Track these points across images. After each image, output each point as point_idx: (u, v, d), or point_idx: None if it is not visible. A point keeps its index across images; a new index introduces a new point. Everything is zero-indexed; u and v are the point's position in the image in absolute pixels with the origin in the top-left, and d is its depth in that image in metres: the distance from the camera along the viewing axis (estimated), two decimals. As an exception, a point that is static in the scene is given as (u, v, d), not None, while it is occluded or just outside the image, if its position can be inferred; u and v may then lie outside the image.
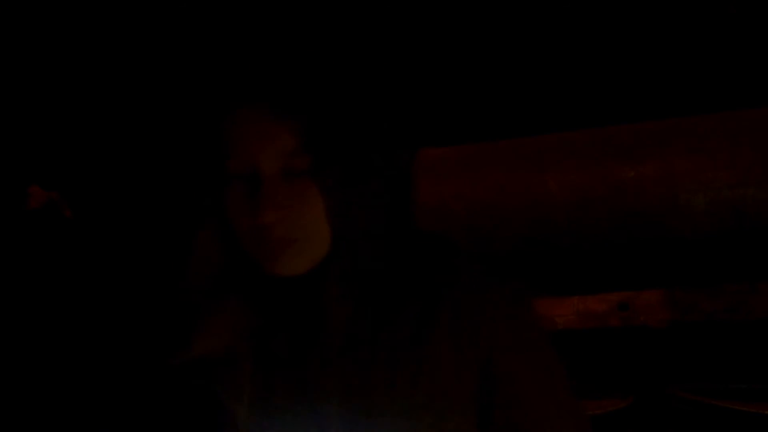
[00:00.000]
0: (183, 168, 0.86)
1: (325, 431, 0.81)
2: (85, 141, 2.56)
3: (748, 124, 1.90)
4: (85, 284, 1.98)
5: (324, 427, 0.81)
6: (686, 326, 3.24)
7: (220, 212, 0.82)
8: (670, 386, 2.89)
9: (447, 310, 0.81)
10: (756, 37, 2.54)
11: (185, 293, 0.84)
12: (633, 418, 2.79)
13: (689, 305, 3.27)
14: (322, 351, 0.82)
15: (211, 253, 0.84)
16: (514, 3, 2.70)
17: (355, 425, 0.80)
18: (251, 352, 0.85)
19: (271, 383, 0.84)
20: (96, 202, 2.30)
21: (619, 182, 1.90)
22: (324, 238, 0.80)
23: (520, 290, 0.87)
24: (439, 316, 0.81)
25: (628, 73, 2.71)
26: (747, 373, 2.86)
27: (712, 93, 2.46)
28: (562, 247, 1.99)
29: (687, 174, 1.85)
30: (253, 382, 0.85)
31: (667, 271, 2.08)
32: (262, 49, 0.78)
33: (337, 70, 0.78)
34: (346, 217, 0.78)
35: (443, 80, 2.84)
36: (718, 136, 1.88)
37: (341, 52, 0.79)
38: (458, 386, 0.81)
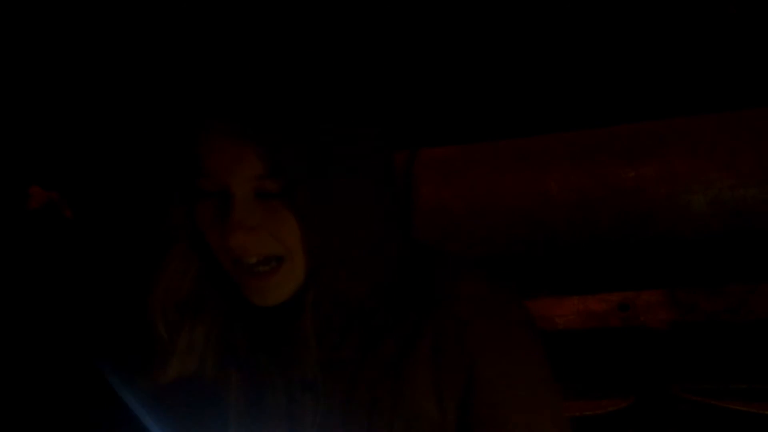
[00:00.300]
0: (159, 181, 0.83)
1: None
2: (86, 141, 2.56)
3: (748, 125, 1.90)
4: (85, 284, 1.98)
5: None
6: (687, 326, 3.24)
7: (195, 227, 0.80)
8: (670, 386, 2.88)
9: (430, 335, 0.79)
10: (756, 37, 2.53)
11: (158, 310, 0.81)
12: (634, 418, 2.78)
13: (690, 305, 3.26)
14: (305, 375, 0.80)
15: (187, 267, 0.82)
16: (514, 3, 2.69)
17: None
18: (235, 372, 0.84)
19: (256, 404, 0.83)
20: (96, 203, 2.30)
21: (620, 183, 1.90)
22: (302, 262, 0.77)
23: (511, 308, 0.83)
24: (421, 342, 0.79)
25: (628, 73, 2.71)
26: (748, 374, 2.86)
27: (712, 93, 2.46)
28: (562, 247, 1.99)
29: (687, 174, 1.85)
30: (237, 403, 0.83)
31: (668, 271, 2.09)
32: (232, 70, 0.74)
33: (311, 95, 0.74)
34: (325, 240, 0.75)
35: (444, 80, 2.84)
36: (718, 136, 1.88)
37: (319, 71, 0.75)
38: (438, 414, 0.78)
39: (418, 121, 2.41)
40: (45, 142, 2.52)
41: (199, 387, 0.84)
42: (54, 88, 2.60)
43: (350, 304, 0.78)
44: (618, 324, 3.34)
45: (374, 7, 2.51)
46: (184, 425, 0.84)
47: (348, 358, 0.79)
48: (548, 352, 0.84)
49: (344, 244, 0.76)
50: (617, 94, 2.67)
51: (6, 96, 2.49)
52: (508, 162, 2.05)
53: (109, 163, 2.46)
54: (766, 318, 3.09)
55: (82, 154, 2.53)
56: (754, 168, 1.82)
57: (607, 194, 1.91)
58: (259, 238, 0.75)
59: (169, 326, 0.81)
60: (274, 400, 0.82)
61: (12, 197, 2.16)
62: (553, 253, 2.00)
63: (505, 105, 2.78)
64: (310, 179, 0.73)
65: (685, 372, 3.02)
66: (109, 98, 2.55)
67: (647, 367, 3.16)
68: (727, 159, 1.84)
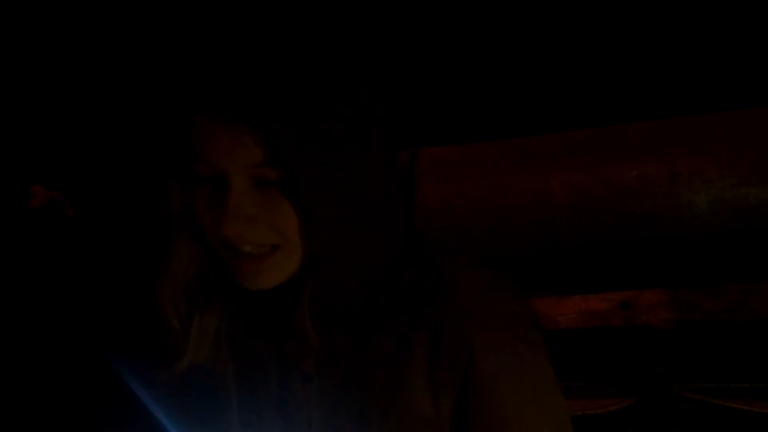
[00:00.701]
0: (158, 168, 0.81)
1: None
2: (85, 136, 2.57)
3: (750, 124, 1.90)
4: (88, 282, 1.99)
5: None
6: (688, 325, 3.24)
7: (193, 213, 0.78)
8: (672, 385, 2.88)
9: (428, 329, 0.77)
10: (758, 37, 2.53)
11: (168, 301, 0.80)
12: (635, 417, 2.79)
13: (691, 305, 3.26)
14: (302, 365, 0.79)
15: (192, 255, 0.81)
16: (515, 2, 2.69)
17: None
18: (234, 364, 0.83)
19: (250, 393, 0.82)
20: (97, 199, 2.31)
21: (621, 182, 1.90)
22: (299, 252, 0.75)
23: (512, 303, 0.81)
24: (419, 336, 0.77)
25: (630, 72, 2.71)
26: (749, 373, 2.86)
27: (714, 92, 2.45)
28: (564, 246, 1.99)
29: (689, 174, 1.85)
30: (236, 394, 0.83)
31: (670, 270, 2.09)
32: (229, 55, 0.72)
33: (310, 82, 0.71)
34: (324, 230, 0.73)
35: (445, 79, 2.84)
36: (720, 135, 1.88)
37: (319, 61, 0.72)
38: (432, 409, 0.77)
39: (419, 121, 2.41)
40: (46, 141, 2.52)
41: (196, 375, 0.83)
42: (52, 84, 2.60)
43: (348, 295, 0.77)
44: (620, 323, 3.34)
45: (376, 4, 2.51)
46: (184, 414, 0.84)
47: (344, 349, 0.78)
48: (550, 351, 0.84)
49: (343, 234, 0.74)
50: (619, 94, 2.67)
51: (6, 96, 2.49)
52: (509, 161, 2.05)
53: (108, 155, 2.46)
54: (767, 317, 3.09)
55: (82, 150, 2.53)
56: (755, 167, 1.82)
57: (609, 193, 1.91)
58: (255, 227, 0.73)
59: (180, 316, 0.80)
60: (267, 390, 0.81)
61: (13, 196, 2.16)
62: (555, 252, 2.01)
63: (506, 104, 2.78)
64: (310, 168, 0.71)
65: (686, 371, 3.02)
66: (107, 87, 2.55)
67: (649, 366, 3.17)
68: (729, 158, 1.84)
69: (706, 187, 1.83)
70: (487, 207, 2.00)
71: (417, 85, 2.70)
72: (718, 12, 2.57)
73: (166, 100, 0.76)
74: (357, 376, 0.78)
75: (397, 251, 0.80)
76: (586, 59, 2.74)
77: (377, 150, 0.77)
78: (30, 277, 2.03)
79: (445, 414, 0.77)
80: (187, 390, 0.84)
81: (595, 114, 2.40)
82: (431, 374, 0.77)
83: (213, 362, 0.82)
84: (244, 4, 0.75)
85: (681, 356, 3.16)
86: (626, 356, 3.25)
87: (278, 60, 0.71)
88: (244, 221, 0.72)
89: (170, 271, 0.80)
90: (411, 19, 2.70)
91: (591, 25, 2.70)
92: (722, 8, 2.55)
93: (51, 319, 1.97)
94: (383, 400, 0.77)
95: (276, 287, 0.78)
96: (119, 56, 2.50)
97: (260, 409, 0.82)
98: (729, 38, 2.59)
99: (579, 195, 1.93)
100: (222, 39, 0.74)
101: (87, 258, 2.09)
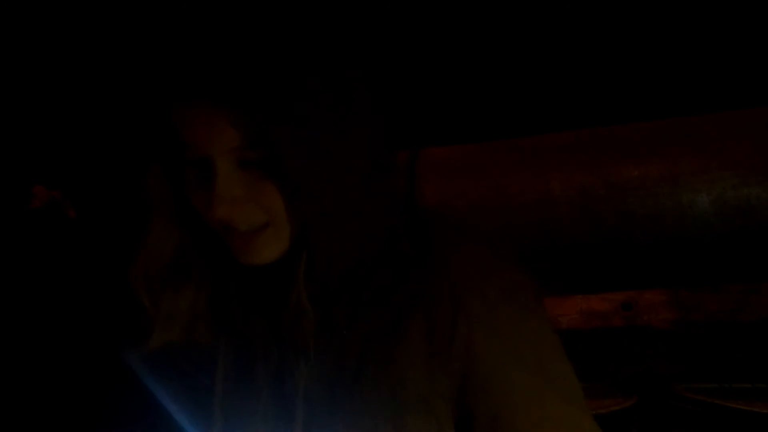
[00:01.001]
0: (148, 157, 0.82)
1: (290, 423, 0.78)
2: (89, 140, 2.57)
3: (751, 124, 1.90)
4: (87, 283, 1.99)
5: (289, 420, 0.78)
6: (690, 326, 3.24)
7: (178, 195, 0.79)
8: (674, 385, 2.89)
9: (424, 301, 0.77)
10: (761, 36, 2.53)
11: (141, 280, 0.80)
12: (637, 418, 2.79)
13: (693, 305, 3.27)
14: (299, 340, 0.78)
15: (167, 237, 0.81)
16: (515, 3, 2.70)
17: (318, 419, 0.77)
18: (226, 338, 0.83)
19: (245, 370, 0.82)
20: (98, 201, 2.31)
21: (622, 182, 1.89)
22: (290, 229, 0.76)
23: (510, 271, 0.81)
24: (415, 308, 0.77)
25: (632, 71, 2.71)
26: (750, 373, 2.86)
27: (716, 92, 2.45)
28: (565, 246, 1.98)
29: (690, 173, 1.85)
30: (226, 369, 0.82)
31: (671, 271, 2.08)
32: (207, 40, 0.71)
33: (284, 64, 0.70)
34: (311, 207, 0.73)
35: (446, 80, 2.84)
36: (721, 135, 1.88)
37: (292, 40, 0.71)
38: (428, 383, 0.76)
39: (420, 121, 2.41)
40: (46, 141, 2.52)
41: (190, 354, 0.83)
42: (50, 84, 2.60)
43: (341, 269, 0.77)
44: (621, 323, 3.34)
45: (376, 5, 2.51)
46: (175, 392, 0.83)
47: (340, 324, 0.78)
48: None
49: (330, 210, 0.74)
50: (619, 94, 2.67)
51: (8, 95, 2.49)
52: (510, 161, 2.05)
53: (101, 149, 2.45)
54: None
55: (81, 149, 2.53)
56: (757, 167, 1.82)
57: (610, 193, 1.91)
58: (243, 207, 0.74)
59: (152, 295, 0.80)
60: (265, 366, 0.81)
61: (15, 196, 2.16)
62: (556, 252, 2.00)
63: (506, 104, 2.79)
64: (288, 148, 0.70)
65: (687, 371, 3.03)
66: (96, 80, 2.55)
67: (650, 367, 3.17)
68: (731, 158, 1.83)
69: (708, 187, 1.83)
70: (487, 207, 2.00)
71: (417, 85, 2.70)
72: (718, 12, 2.57)
73: (144, 89, 0.77)
74: (352, 351, 0.77)
75: (391, 227, 0.80)
76: (586, 59, 2.74)
77: (358, 126, 0.76)
78: (32, 277, 2.03)
79: (439, 388, 0.76)
80: (178, 369, 0.83)
81: (595, 114, 2.40)
82: (427, 348, 0.76)
83: (200, 340, 0.82)
84: None
85: (682, 356, 3.16)
86: (627, 356, 3.25)
87: (250, 40, 0.71)
88: (232, 203, 0.73)
89: (145, 252, 0.81)
90: (411, 20, 2.70)
91: (591, 26, 2.70)
92: (722, 8, 2.55)
93: (52, 318, 1.97)
94: (377, 374, 0.76)
95: (272, 263, 0.78)
96: (104, 47, 2.49)
97: (253, 386, 0.81)
98: (729, 38, 2.59)
99: (580, 194, 1.92)
100: (193, 23, 0.73)
101: (88, 257, 2.09)
